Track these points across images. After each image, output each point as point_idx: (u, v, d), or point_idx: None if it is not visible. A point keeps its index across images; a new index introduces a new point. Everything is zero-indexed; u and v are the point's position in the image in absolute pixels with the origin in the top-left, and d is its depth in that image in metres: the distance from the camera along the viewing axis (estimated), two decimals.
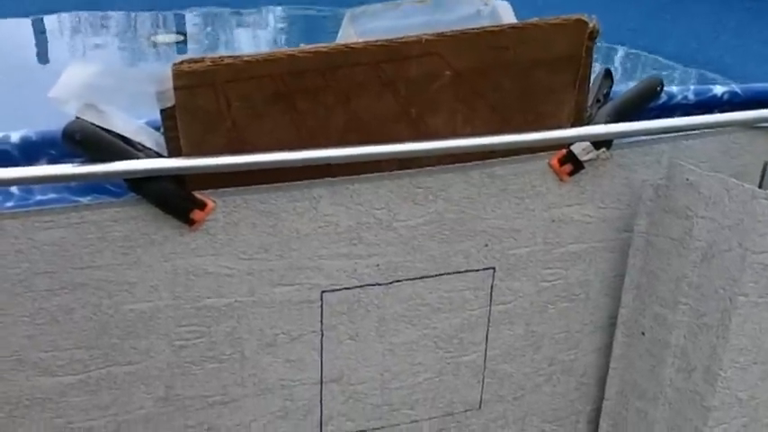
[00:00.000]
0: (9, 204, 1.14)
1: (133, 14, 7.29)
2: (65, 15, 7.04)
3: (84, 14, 7.12)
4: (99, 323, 1.18)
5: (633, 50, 6.20)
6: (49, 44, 6.53)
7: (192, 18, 7.39)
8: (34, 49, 6.37)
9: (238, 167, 1.12)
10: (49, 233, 1.10)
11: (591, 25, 1.22)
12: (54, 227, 1.10)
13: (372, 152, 1.18)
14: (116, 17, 7.21)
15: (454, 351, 1.42)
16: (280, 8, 7.44)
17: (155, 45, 6.53)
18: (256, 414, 1.34)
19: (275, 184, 1.19)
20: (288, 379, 1.33)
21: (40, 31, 6.71)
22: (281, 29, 7.35)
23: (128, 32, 7.08)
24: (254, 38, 7.07)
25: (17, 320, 1.14)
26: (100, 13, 7.14)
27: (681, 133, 1.40)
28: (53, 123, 1.10)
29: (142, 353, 1.22)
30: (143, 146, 1.11)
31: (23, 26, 6.76)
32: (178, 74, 1.06)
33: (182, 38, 6.79)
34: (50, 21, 6.93)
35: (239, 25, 7.44)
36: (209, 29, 7.32)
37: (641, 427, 1.48)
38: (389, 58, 1.14)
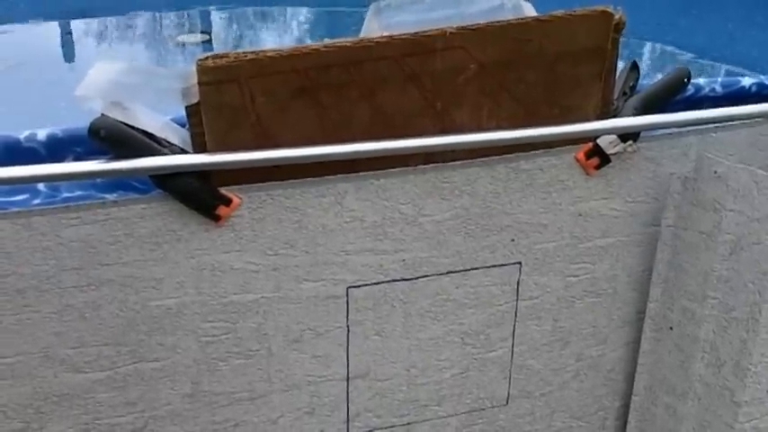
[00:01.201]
0: (36, 201, 1.15)
1: (158, 15, 7.35)
2: (92, 19, 7.12)
3: (110, 17, 7.19)
4: (126, 319, 1.19)
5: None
6: (76, 47, 6.61)
7: (217, 17, 7.45)
8: (61, 52, 6.45)
9: (263, 163, 1.13)
10: (76, 230, 1.11)
11: (617, 17, 1.21)
12: (81, 223, 1.11)
13: (397, 147, 1.17)
14: (141, 18, 7.27)
15: (481, 347, 1.42)
16: (305, 7, 7.47)
17: (181, 45, 6.58)
18: (283, 410, 1.34)
19: (300, 180, 1.19)
20: (314, 375, 1.33)
21: (66, 33, 6.79)
22: (307, 27, 7.37)
23: (153, 33, 7.15)
24: (280, 36, 7.10)
25: (45, 317, 1.15)
26: (125, 15, 7.21)
27: (708, 126, 1.38)
28: (81, 121, 1.11)
29: (169, 349, 1.23)
30: (168, 142, 1.11)
31: (51, 29, 6.84)
32: (203, 69, 1.06)
33: (207, 37, 6.84)
34: (77, 24, 7.01)
35: (264, 24, 7.48)
36: (234, 28, 7.36)
37: (670, 423, 1.47)
38: (414, 51, 1.14)
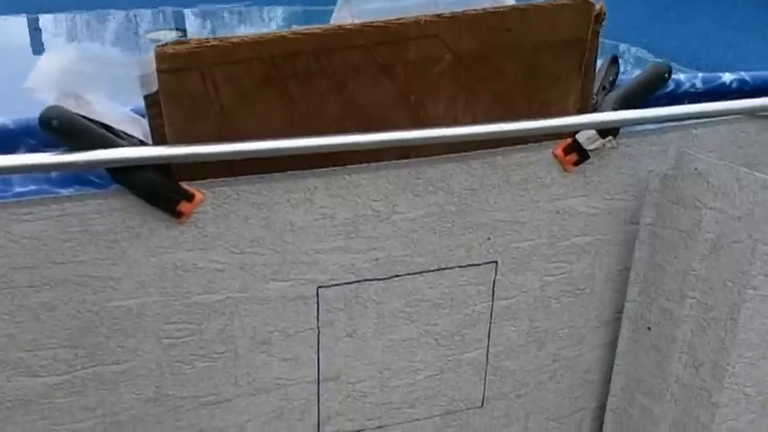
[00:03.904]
0: None
1: (132, 12, 7.27)
2: (61, 15, 7.03)
3: (81, 14, 7.11)
4: (83, 321, 1.13)
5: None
6: (45, 43, 6.51)
7: (191, 15, 7.38)
8: (29, 48, 6.35)
9: (228, 156, 1.07)
10: (29, 226, 1.05)
11: (597, 7, 1.18)
12: (33, 219, 1.05)
13: (370, 140, 1.13)
14: (114, 14, 7.19)
15: (455, 348, 1.38)
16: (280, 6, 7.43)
17: (155, 42, 6.51)
18: (251, 414, 1.30)
19: (268, 175, 1.14)
20: (283, 378, 1.29)
21: (34, 29, 6.69)
22: (283, 25, 7.33)
23: (126, 30, 7.07)
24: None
25: None
26: (98, 11, 7.12)
27: (688, 122, 1.36)
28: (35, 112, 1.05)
29: (130, 351, 1.18)
30: (126, 134, 1.06)
31: (19, 24, 6.74)
32: (161, 56, 1.01)
33: (181, 34, 6.78)
34: (47, 19, 6.91)
35: (239, 21, 7.43)
36: (208, 25, 7.31)
37: (647, 424, 1.45)
38: (386, 40, 1.10)
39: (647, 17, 6.83)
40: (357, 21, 1.10)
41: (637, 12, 6.75)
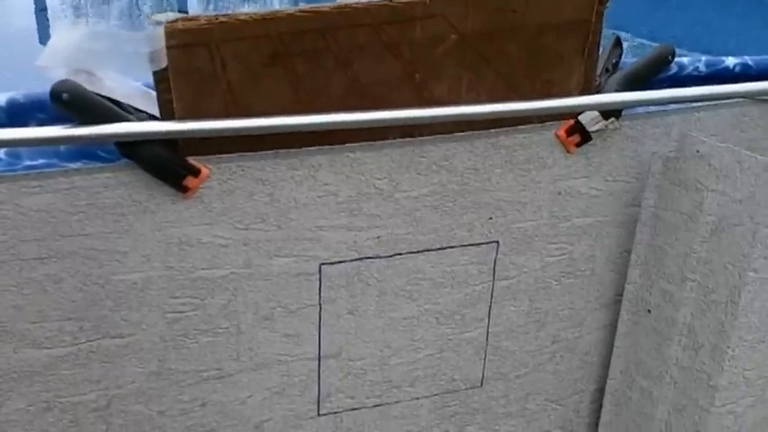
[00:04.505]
0: None
1: None
2: None
3: None
4: (89, 294, 1.14)
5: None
6: (50, 23, 6.50)
7: None
8: (35, 28, 6.34)
9: (234, 132, 1.08)
10: (37, 198, 1.06)
11: None
12: (42, 192, 1.06)
13: (374, 118, 1.14)
14: None
15: (456, 327, 1.39)
16: None
17: (157, 24, 6.49)
18: (252, 390, 1.31)
19: (273, 151, 1.15)
20: (285, 354, 1.30)
21: (40, 10, 6.67)
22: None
23: (129, 11, 7.05)
24: None
25: (3, 290, 1.10)
26: None
27: (691, 105, 1.36)
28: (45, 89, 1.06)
29: (134, 325, 1.19)
30: (135, 109, 1.07)
31: (25, 5, 6.72)
32: (171, 32, 1.01)
33: (185, 16, 6.75)
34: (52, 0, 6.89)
35: (243, 3, 7.40)
36: (211, 7, 7.28)
37: (645, 406, 1.45)
38: (392, 19, 1.10)
39: (648, 6, 6.81)
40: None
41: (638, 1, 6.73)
